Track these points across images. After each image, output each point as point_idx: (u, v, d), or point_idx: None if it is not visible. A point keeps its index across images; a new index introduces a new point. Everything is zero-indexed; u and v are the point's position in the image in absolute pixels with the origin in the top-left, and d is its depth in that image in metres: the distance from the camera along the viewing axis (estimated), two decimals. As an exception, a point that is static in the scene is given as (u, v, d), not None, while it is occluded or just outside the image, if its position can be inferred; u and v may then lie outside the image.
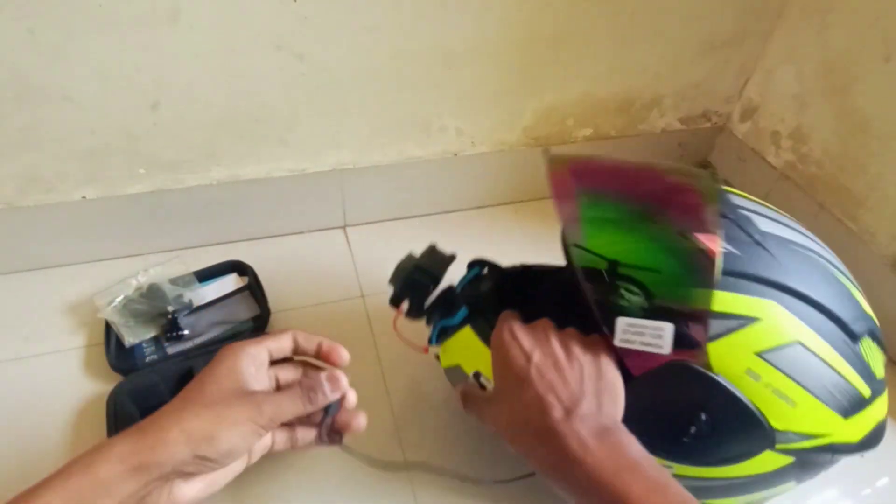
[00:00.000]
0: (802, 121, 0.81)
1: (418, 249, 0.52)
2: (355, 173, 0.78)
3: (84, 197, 0.69)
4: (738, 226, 0.42)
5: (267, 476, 0.55)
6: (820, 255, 0.43)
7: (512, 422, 0.40)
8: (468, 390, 0.47)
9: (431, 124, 0.78)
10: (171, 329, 0.65)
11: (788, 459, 0.42)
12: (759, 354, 0.38)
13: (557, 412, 0.38)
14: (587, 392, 0.39)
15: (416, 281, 0.51)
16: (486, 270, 0.57)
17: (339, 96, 0.70)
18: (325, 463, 0.56)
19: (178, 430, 0.34)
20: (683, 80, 0.86)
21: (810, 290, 0.40)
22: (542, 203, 0.92)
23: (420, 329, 0.54)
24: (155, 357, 0.63)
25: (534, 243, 0.83)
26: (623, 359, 0.40)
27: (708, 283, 0.39)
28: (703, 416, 0.39)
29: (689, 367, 0.39)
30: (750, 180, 0.91)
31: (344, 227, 0.84)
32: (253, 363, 0.40)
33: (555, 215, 0.44)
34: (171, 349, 0.64)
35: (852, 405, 0.41)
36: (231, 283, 0.73)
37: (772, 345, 0.39)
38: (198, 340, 0.65)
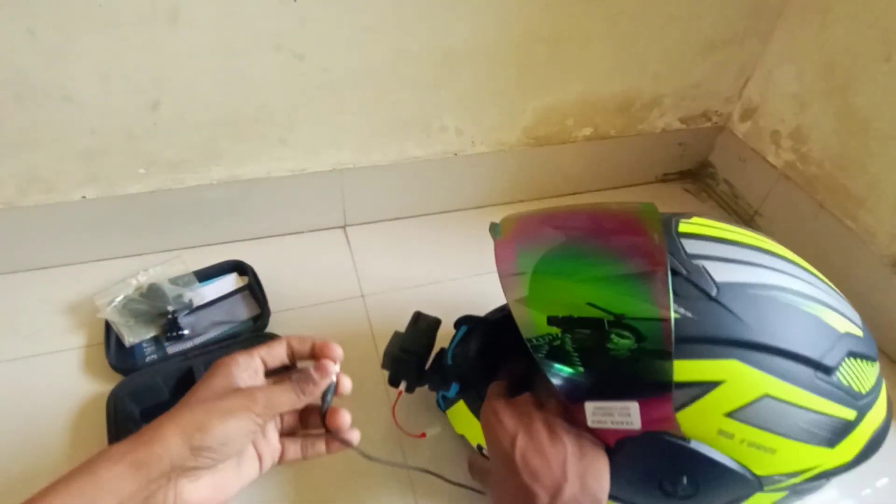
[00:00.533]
0: (802, 121, 0.81)
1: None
2: (355, 173, 0.78)
3: (84, 197, 0.69)
4: (691, 282, 0.40)
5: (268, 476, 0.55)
6: (782, 289, 0.42)
7: (504, 502, 0.42)
8: (473, 460, 0.50)
9: (431, 124, 0.78)
10: (171, 329, 0.65)
11: (781, 494, 0.42)
12: (729, 415, 0.38)
13: (542, 500, 0.39)
14: (570, 475, 0.40)
15: (404, 362, 0.54)
16: (469, 326, 0.58)
17: (339, 96, 0.70)
18: (327, 461, 0.56)
19: (171, 425, 0.35)
20: (683, 80, 0.86)
21: (773, 338, 0.39)
22: (542, 203, 0.92)
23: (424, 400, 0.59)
24: (155, 357, 0.63)
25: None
26: (598, 435, 0.41)
27: (665, 355, 0.38)
28: (685, 480, 0.40)
29: (661, 438, 0.39)
30: (750, 180, 0.91)
31: (344, 227, 0.84)
32: (245, 370, 0.40)
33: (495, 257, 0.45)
34: (171, 349, 0.64)
35: (837, 433, 0.41)
36: (231, 282, 0.73)
37: (739, 404, 0.38)
38: (198, 340, 0.65)
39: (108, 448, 0.35)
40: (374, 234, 0.83)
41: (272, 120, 0.70)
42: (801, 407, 0.39)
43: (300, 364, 0.44)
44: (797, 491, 0.43)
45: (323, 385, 0.41)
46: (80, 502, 0.32)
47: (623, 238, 0.45)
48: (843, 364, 0.41)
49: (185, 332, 0.65)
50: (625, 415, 0.39)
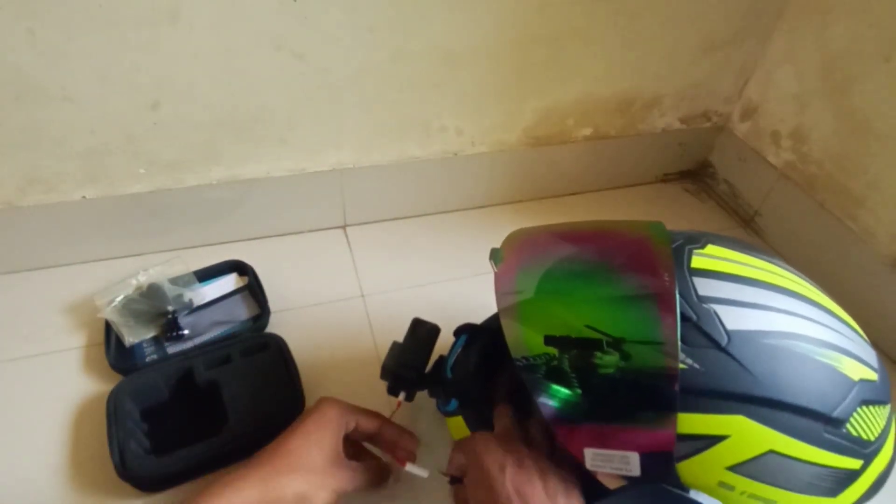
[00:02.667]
0: (802, 121, 0.81)
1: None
2: (355, 173, 0.78)
3: (84, 197, 0.69)
4: (700, 330, 0.39)
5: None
6: (797, 336, 0.40)
7: None
8: (458, 494, 0.50)
9: (431, 124, 0.78)
10: (171, 329, 0.65)
11: None
12: (731, 469, 0.37)
13: None
14: None
15: (403, 376, 0.54)
16: (469, 335, 0.58)
17: (339, 96, 0.70)
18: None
19: (291, 493, 0.43)
20: (683, 80, 0.86)
21: (783, 392, 0.37)
22: (542, 203, 0.92)
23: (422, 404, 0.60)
24: (155, 357, 0.63)
25: (534, 243, 0.83)
26: (596, 477, 0.40)
27: (670, 406, 0.37)
28: None
29: (661, 488, 0.39)
30: (750, 180, 0.91)
31: (344, 227, 0.84)
32: (345, 429, 0.49)
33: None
34: (171, 349, 0.64)
35: (840, 484, 0.40)
36: (231, 282, 0.73)
37: (743, 458, 0.37)
38: (198, 340, 0.65)
39: (237, 487, 0.43)
40: (374, 234, 0.83)
41: (272, 120, 0.70)
42: (806, 462, 0.38)
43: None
44: None
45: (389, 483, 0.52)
46: None
47: (631, 269, 0.43)
48: (855, 414, 0.39)
49: (185, 332, 0.65)
50: (624, 462, 0.39)
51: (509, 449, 0.44)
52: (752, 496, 0.38)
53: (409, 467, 0.51)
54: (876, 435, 0.40)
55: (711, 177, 0.98)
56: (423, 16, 0.66)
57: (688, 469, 0.38)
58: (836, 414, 0.38)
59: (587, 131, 0.87)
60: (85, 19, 0.56)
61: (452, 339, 0.58)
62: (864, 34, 0.71)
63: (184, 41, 0.60)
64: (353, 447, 0.52)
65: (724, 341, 0.38)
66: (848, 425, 0.39)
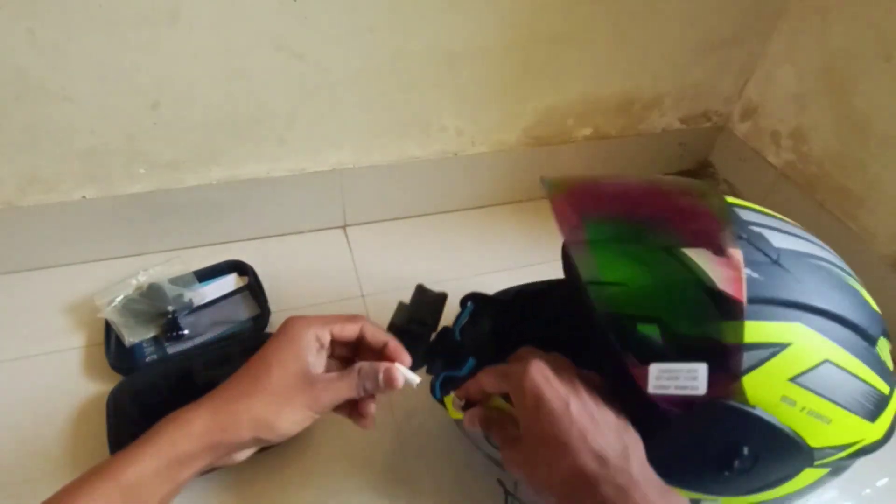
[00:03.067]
0: (802, 121, 0.81)
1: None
2: (355, 173, 0.78)
3: (84, 197, 0.69)
4: (754, 246, 0.41)
5: (266, 479, 0.55)
6: (830, 263, 0.43)
7: (551, 477, 0.39)
8: (491, 417, 0.45)
9: (431, 124, 0.78)
10: (171, 329, 0.65)
11: (824, 471, 0.42)
12: (793, 380, 0.38)
13: (591, 466, 0.37)
14: (619, 445, 0.38)
15: (412, 332, 0.49)
16: (477, 304, 0.56)
17: (339, 96, 0.70)
18: (327, 463, 0.56)
19: (247, 419, 0.38)
20: (683, 80, 0.86)
21: (831, 304, 0.40)
22: (542, 203, 0.92)
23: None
24: (155, 357, 0.63)
25: (534, 243, 0.84)
26: (658, 404, 0.39)
27: (737, 314, 0.38)
28: (745, 450, 0.39)
29: (725, 405, 0.38)
30: (750, 180, 0.91)
31: (344, 227, 0.84)
32: (316, 343, 0.42)
33: (554, 215, 0.43)
34: (171, 349, 0.64)
35: (878, 407, 0.41)
36: (231, 282, 0.73)
37: (803, 368, 0.38)
38: (198, 340, 0.65)
39: (186, 421, 0.38)
40: (374, 234, 0.83)
41: (272, 120, 0.70)
42: (855, 376, 0.40)
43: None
44: (837, 468, 0.43)
45: (386, 390, 0.42)
46: (163, 468, 0.36)
47: (689, 209, 0.45)
48: (881, 340, 0.42)
49: (185, 332, 0.65)
50: (691, 378, 0.38)
51: (568, 382, 0.40)
52: (812, 413, 0.39)
53: (400, 370, 0.43)
54: (892, 368, 0.43)
55: (711, 177, 0.98)
56: (423, 16, 0.66)
57: (753, 382, 0.38)
58: (870, 332, 0.41)
59: (587, 131, 0.87)
60: (85, 19, 0.56)
61: (457, 315, 0.55)
62: (864, 34, 0.71)
63: (184, 41, 0.60)
64: (348, 363, 0.45)
65: (775, 256, 0.40)
66: (878, 346, 0.41)
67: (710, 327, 0.39)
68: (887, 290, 0.72)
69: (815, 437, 0.39)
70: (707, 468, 0.40)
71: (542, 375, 0.40)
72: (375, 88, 0.71)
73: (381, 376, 0.42)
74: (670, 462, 0.39)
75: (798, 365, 0.38)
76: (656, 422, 0.39)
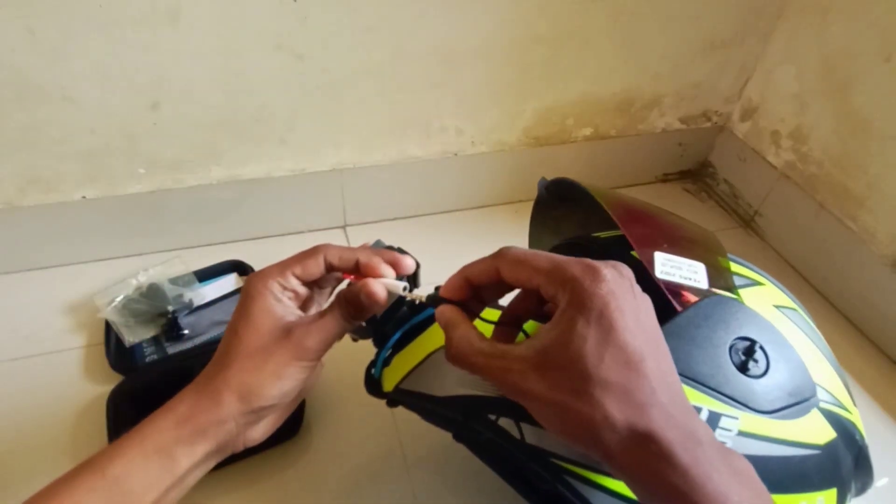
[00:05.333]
0: (802, 121, 0.81)
1: (416, 255, 0.44)
2: (355, 173, 0.78)
3: (84, 197, 0.69)
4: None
5: (266, 479, 0.55)
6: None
7: (593, 422, 0.28)
8: (471, 337, 0.33)
9: (431, 124, 0.78)
10: (171, 329, 0.65)
11: (832, 434, 0.41)
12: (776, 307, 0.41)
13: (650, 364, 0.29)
14: (663, 346, 0.31)
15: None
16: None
17: (339, 96, 0.70)
18: (323, 464, 0.56)
19: (227, 390, 0.35)
20: (683, 80, 0.86)
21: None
22: (542, 203, 0.92)
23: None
24: (155, 357, 0.63)
25: (534, 243, 0.83)
26: (668, 294, 0.37)
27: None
28: (757, 346, 0.38)
29: (731, 300, 0.39)
30: (750, 180, 0.91)
31: (344, 227, 0.84)
32: (283, 293, 0.38)
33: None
34: (171, 349, 0.64)
35: (847, 391, 0.43)
36: (231, 282, 0.73)
37: (781, 304, 0.42)
38: (198, 340, 0.65)
39: (168, 409, 0.35)
40: (374, 235, 0.83)
41: (272, 120, 0.70)
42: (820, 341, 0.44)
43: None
44: (845, 440, 0.42)
45: (375, 309, 0.37)
46: (152, 458, 0.34)
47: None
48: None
49: (185, 332, 0.65)
50: (693, 271, 0.39)
51: (630, 288, 0.31)
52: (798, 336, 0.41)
53: (380, 282, 0.37)
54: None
55: (711, 177, 0.98)
56: (422, 16, 0.66)
57: (746, 295, 0.40)
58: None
59: (587, 131, 0.87)
60: (85, 19, 0.56)
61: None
62: (864, 34, 0.71)
63: (184, 41, 0.60)
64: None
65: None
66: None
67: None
68: (887, 290, 0.72)
69: (809, 364, 0.40)
70: (724, 363, 0.38)
71: (618, 284, 0.30)
72: (375, 88, 0.71)
73: (362, 297, 0.37)
74: (695, 360, 0.37)
75: (776, 298, 0.42)
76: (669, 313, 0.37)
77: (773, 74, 0.85)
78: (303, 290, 0.39)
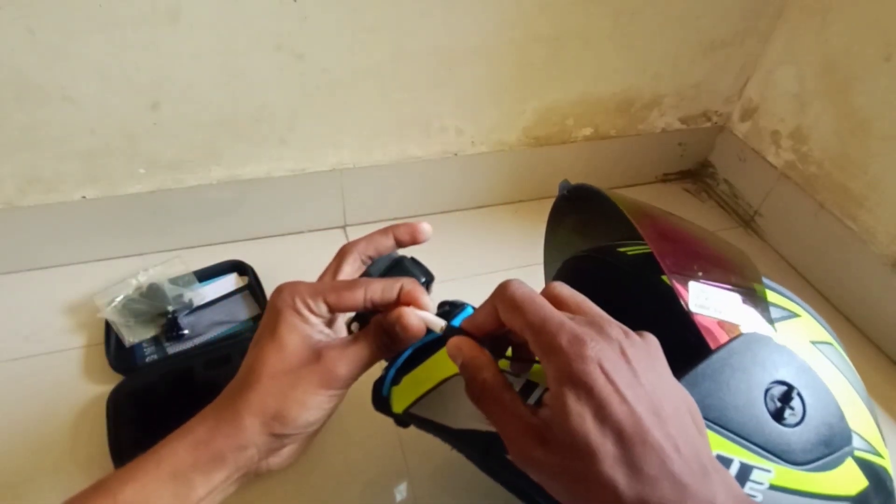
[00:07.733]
0: (802, 121, 0.81)
1: (416, 256, 0.45)
2: (355, 173, 0.78)
3: (84, 197, 0.69)
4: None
5: (264, 481, 0.55)
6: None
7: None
8: (495, 387, 0.31)
9: (431, 124, 0.78)
10: (171, 329, 0.65)
11: (865, 482, 0.39)
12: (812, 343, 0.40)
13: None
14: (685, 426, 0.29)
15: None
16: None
17: (339, 96, 0.70)
18: (322, 467, 0.56)
19: (248, 414, 0.32)
20: (683, 80, 0.86)
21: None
22: (543, 203, 0.91)
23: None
24: (155, 357, 0.63)
25: (534, 243, 0.83)
26: (700, 331, 0.36)
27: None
28: (794, 392, 0.36)
29: (767, 339, 0.37)
30: (750, 180, 0.91)
31: (344, 227, 0.84)
32: (314, 313, 0.35)
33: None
34: (171, 349, 0.64)
35: (879, 431, 0.41)
36: (231, 282, 0.73)
37: (818, 338, 0.40)
38: (198, 340, 0.65)
39: (187, 431, 0.33)
40: (374, 234, 0.83)
41: (272, 120, 0.70)
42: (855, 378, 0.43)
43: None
44: (877, 486, 0.41)
45: (410, 343, 0.35)
46: (167, 483, 0.32)
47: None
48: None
49: (185, 332, 0.65)
50: (728, 304, 0.37)
51: (621, 355, 0.29)
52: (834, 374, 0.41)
53: (416, 314, 0.35)
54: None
55: (711, 177, 0.98)
56: (423, 16, 0.66)
57: (782, 330, 0.39)
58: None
59: (587, 131, 0.87)
60: (85, 19, 0.56)
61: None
62: (864, 34, 0.71)
63: (184, 41, 0.60)
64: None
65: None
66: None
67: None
68: (887, 290, 0.72)
69: (844, 407, 0.39)
70: (759, 411, 0.37)
71: (623, 359, 0.29)
72: (375, 88, 0.71)
73: (398, 328, 0.34)
74: (733, 407, 0.36)
75: (813, 333, 0.41)
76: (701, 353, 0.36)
77: (773, 74, 0.85)
78: (329, 315, 0.36)
